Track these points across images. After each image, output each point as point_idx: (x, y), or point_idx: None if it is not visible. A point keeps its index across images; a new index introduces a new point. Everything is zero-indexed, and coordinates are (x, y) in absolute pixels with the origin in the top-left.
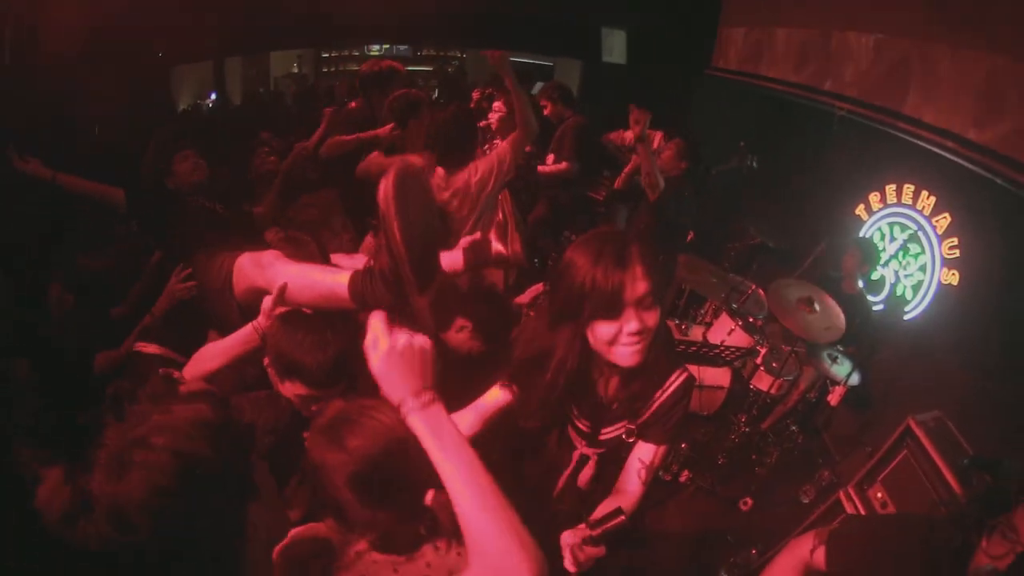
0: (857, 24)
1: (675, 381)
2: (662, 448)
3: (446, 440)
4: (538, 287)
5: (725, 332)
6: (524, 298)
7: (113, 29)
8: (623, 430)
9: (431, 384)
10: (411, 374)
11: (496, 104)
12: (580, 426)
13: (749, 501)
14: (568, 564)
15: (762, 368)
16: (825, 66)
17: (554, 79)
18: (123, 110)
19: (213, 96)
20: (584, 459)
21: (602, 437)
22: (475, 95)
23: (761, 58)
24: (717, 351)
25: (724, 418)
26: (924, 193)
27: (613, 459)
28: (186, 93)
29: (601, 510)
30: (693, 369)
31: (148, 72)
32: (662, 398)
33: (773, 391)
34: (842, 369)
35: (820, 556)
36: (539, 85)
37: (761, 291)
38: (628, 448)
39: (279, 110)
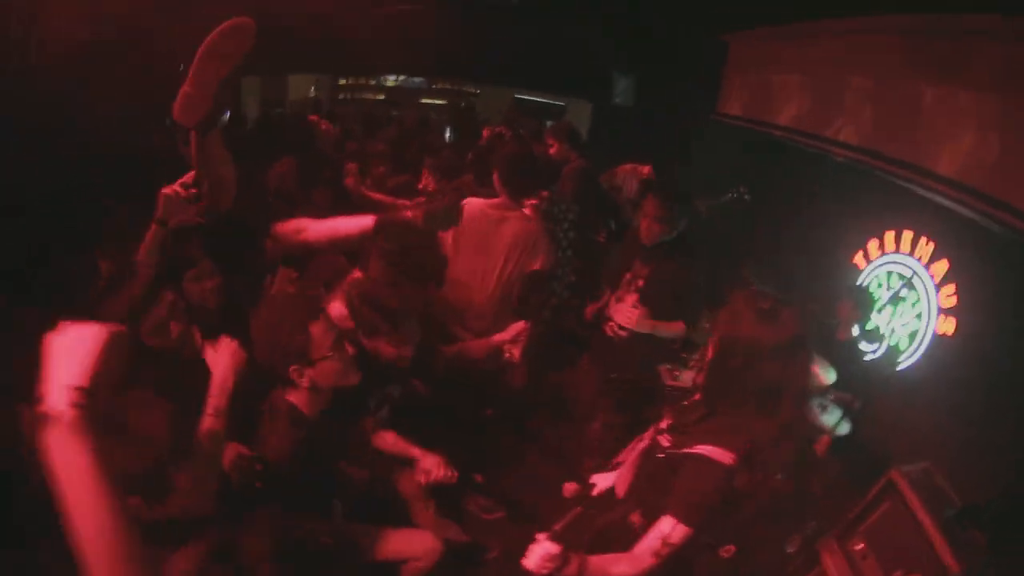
0: (859, 70)
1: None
2: (681, 528)
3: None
4: (520, 325)
5: None
6: (506, 335)
7: (131, 40)
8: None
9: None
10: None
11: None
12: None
13: (731, 548)
14: (531, 558)
15: None
16: (827, 112)
17: (565, 118)
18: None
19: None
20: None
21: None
22: (485, 133)
23: (765, 104)
24: None
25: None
26: (923, 240)
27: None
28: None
29: (607, 561)
30: None
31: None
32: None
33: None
34: (831, 418)
35: None
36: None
37: None
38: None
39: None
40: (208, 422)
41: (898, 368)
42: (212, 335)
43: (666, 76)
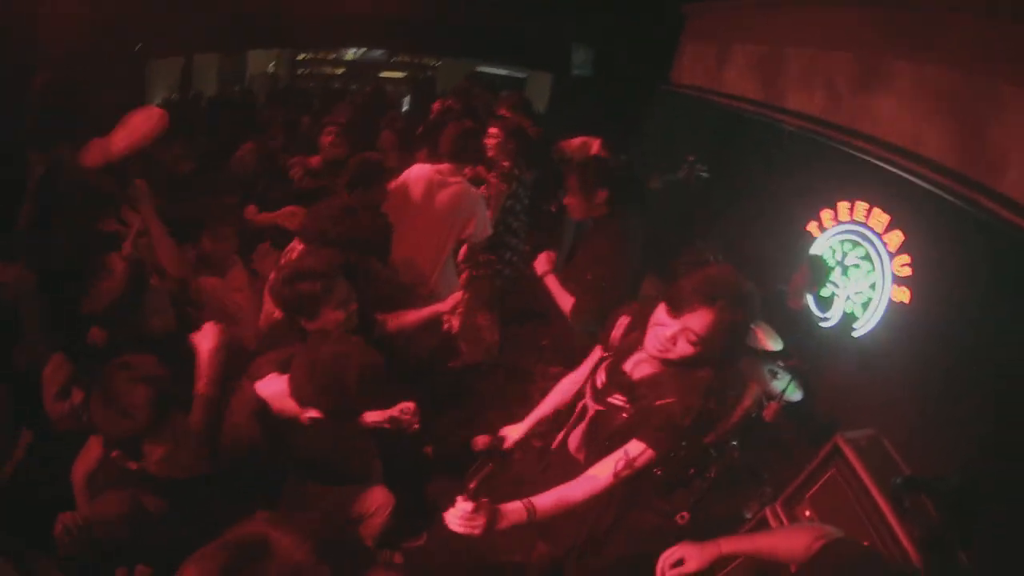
0: (814, 41)
1: (683, 399)
2: (648, 453)
3: None
4: (458, 295)
5: None
6: (445, 306)
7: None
8: (623, 403)
9: None
10: None
11: (492, 130)
12: (597, 379)
13: (686, 515)
14: (450, 521)
15: None
16: (781, 82)
17: (524, 91)
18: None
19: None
20: (583, 411)
21: (608, 398)
22: (435, 106)
23: (719, 74)
24: None
25: None
26: (877, 211)
27: (603, 431)
28: (160, 88)
29: (561, 491)
30: None
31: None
32: (662, 402)
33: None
34: (780, 383)
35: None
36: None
37: None
38: (618, 431)
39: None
40: (202, 387)
41: (854, 335)
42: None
43: (625, 47)
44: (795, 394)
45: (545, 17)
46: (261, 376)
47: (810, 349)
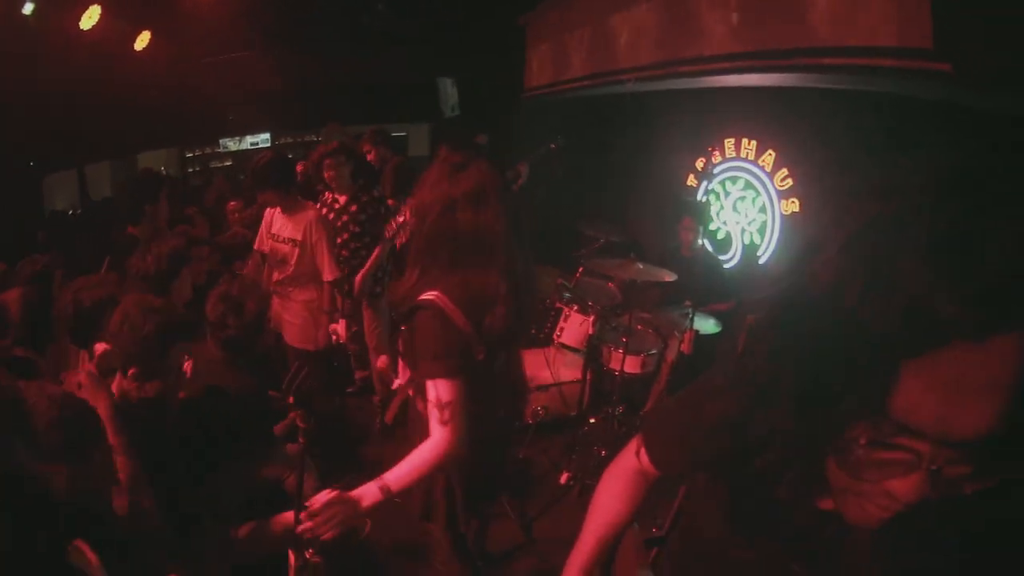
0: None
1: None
2: (442, 382)
3: None
4: None
5: (579, 327)
6: None
7: None
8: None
9: None
10: None
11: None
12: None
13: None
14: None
15: (613, 348)
16: (610, 49)
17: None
18: None
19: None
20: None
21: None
22: (299, 167)
23: (565, 64)
24: None
25: (597, 410)
26: (744, 141)
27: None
28: (58, 199)
29: (406, 463)
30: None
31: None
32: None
33: (633, 370)
34: (705, 324)
35: (646, 456)
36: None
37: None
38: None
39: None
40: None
41: (760, 262)
42: None
43: (481, 77)
44: (714, 329)
45: (408, 75)
46: None
47: (726, 289)
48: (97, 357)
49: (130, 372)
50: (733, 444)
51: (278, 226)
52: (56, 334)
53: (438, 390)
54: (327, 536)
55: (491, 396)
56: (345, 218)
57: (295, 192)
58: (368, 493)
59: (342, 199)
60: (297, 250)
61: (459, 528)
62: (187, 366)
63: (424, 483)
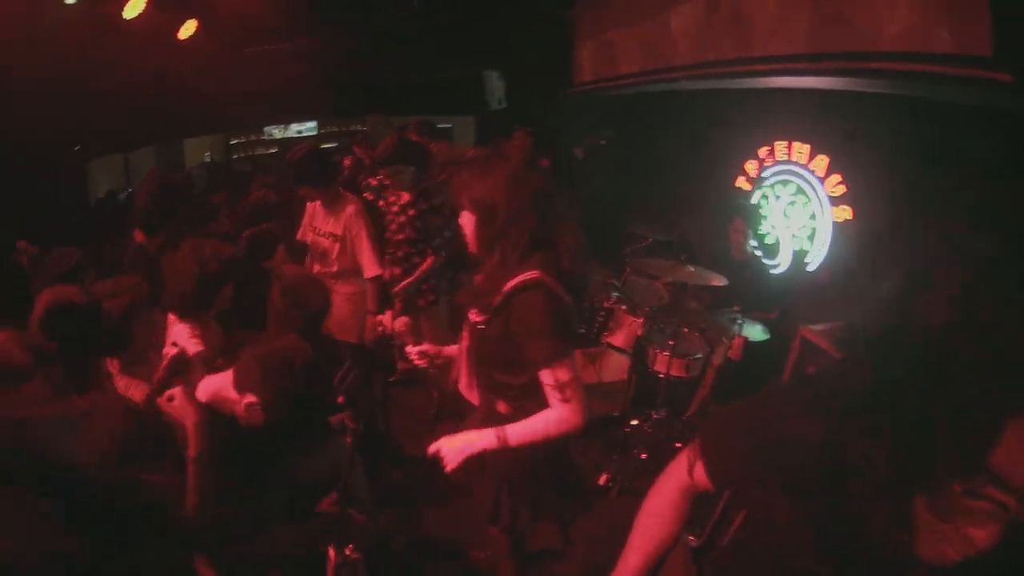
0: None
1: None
2: (558, 364)
3: None
4: None
5: (628, 327)
6: None
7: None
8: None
9: None
10: None
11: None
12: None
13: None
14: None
15: (660, 351)
16: (666, 44)
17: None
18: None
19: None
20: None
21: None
22: (346, 162)
23: (612, 61)
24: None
25: (639, 413)
26: (796, 144)
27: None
28: (102, 185)
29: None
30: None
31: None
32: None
33: (679, 373)
34: (752, 331)
35: (700, 472)
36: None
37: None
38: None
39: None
40: None
41: (808, 270)
42: None
43: (529, 72)
44: (762, 336)
45: (458, 68)
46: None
47: (772, 296)
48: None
49: (247, 400)
50: (812, 464)
51: (319, 220)
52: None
53: (556, 371)
54: (451, 470)
55: None
56: (403, 219)
57: (335, 186)
58: (486, 436)
59: (404, 196)
60: (338, 245)
61: (518, 529)
62: None
63: (493, 482)
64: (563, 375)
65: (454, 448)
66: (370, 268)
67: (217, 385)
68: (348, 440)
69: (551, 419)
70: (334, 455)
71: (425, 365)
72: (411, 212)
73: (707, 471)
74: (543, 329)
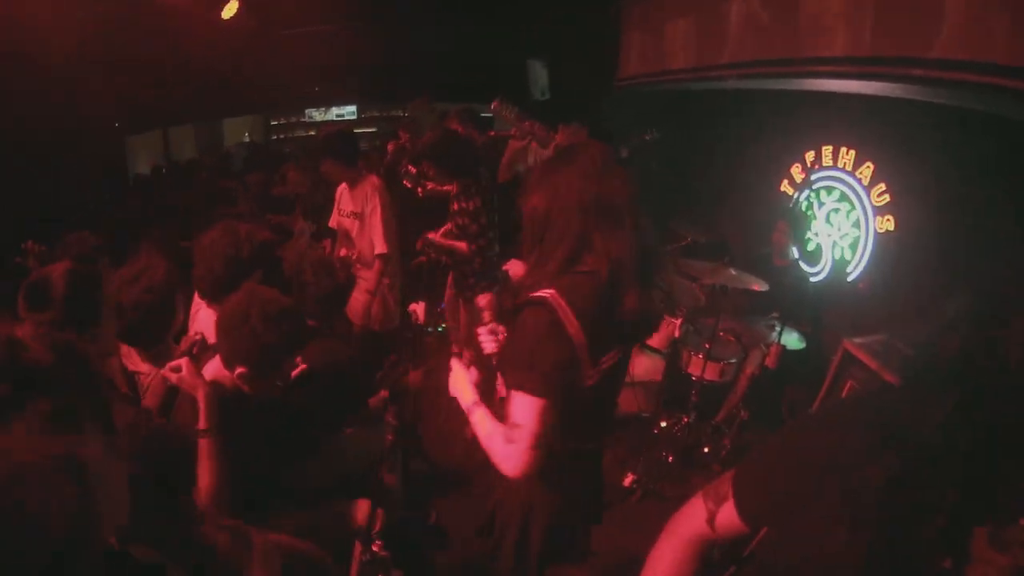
0: None
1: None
2: (517, 394)
3: None
4: None
5: (665, 327)
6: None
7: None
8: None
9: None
10: None
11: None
12: None
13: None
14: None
15: (694, 353)
16: (716, 40)
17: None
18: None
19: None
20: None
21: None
22: (390, 146)
23: (661, 56)
24: None
25: (668, 414)
26: (843, 150)
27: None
28: (142, 160)
29: None
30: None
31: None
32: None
33: (712, 377)
34: (788, 339)
35: (726, 516)
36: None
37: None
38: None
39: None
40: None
41: (849, 280)
42: None
43: (573, 61)
44: (798, 344)
45: (501, 54)
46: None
47: (810, 304)
48: (194, 345)
49: (237, 371)
50: (880, 498)
51: (344, 201)
52: (101, 317)
53: (517, 405)
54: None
55: (583, 425)
56: (454, 207)
57: (359, 166)
58: (470, 400)
59: (452, 187)
60: (358, 222)
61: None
62: (296, 372)
63: (514, 522)
64: (522, 415)
65: (454, 385)
66: (379, 244)
67: (214, 368)
68: (389, 437)
69: (496, 445)
70: (368, 446)
71: (494, 348)
72: (454, 207)
73: (741, 511)
74: (522, 355)
